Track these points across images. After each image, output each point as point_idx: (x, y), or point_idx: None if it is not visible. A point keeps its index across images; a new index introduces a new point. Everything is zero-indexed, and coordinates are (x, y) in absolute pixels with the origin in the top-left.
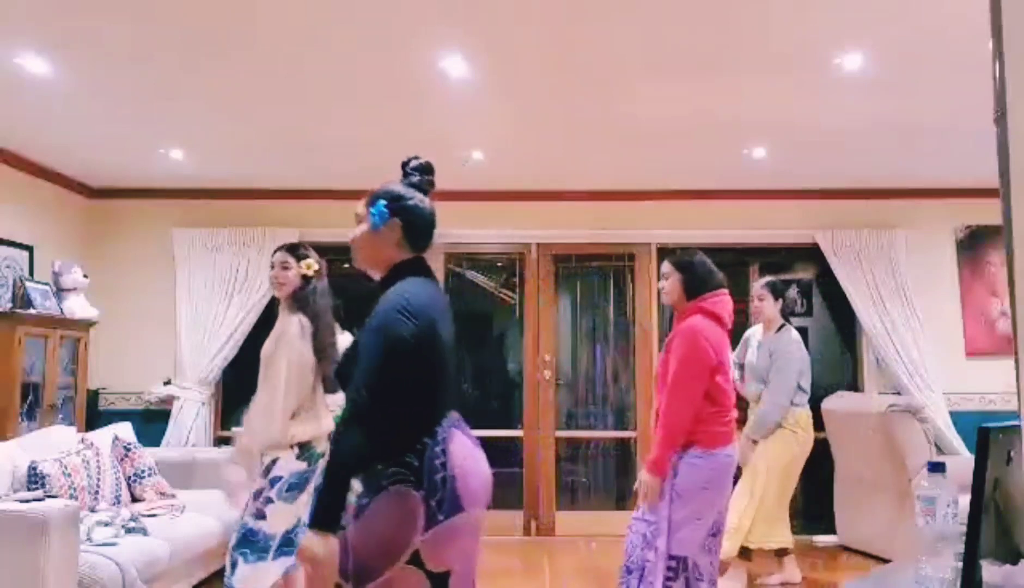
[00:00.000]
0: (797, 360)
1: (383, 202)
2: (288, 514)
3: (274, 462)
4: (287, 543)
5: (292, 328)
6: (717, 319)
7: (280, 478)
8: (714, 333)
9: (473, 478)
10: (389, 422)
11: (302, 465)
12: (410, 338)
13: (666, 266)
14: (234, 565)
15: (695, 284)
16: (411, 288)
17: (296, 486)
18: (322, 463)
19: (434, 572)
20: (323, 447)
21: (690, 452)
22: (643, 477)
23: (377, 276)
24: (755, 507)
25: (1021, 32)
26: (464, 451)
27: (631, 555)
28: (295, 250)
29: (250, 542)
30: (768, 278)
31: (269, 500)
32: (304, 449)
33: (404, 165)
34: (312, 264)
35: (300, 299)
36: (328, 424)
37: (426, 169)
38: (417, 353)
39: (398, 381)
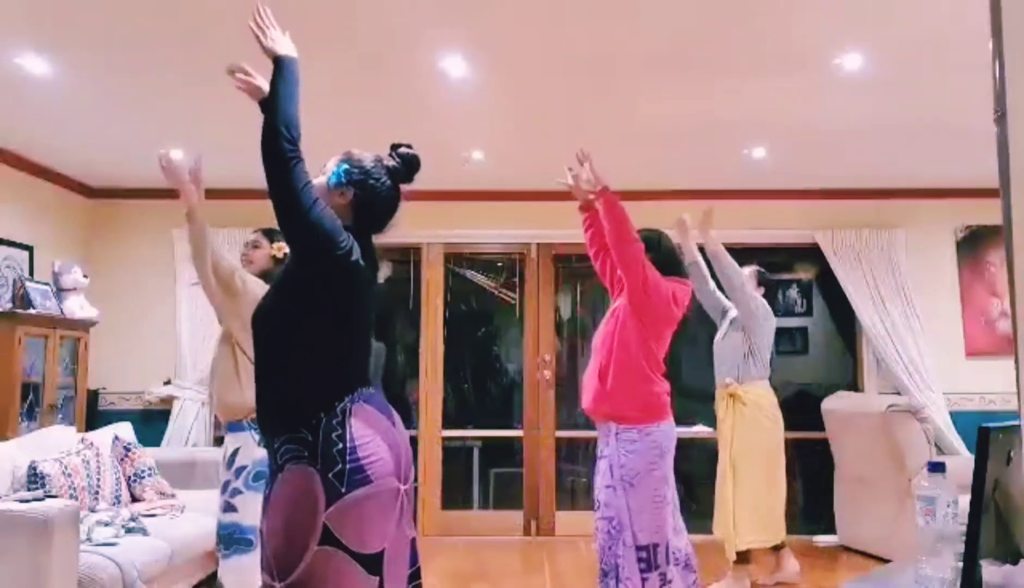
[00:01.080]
0: (770, 318)
1: (345, 166)
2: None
3: (235, 453)
4: None
5: (253, 286)
6: (677, 303)
7: (244, 467)
8: (675, 309)
9: (379, 448)
10: (288, 376)
11: (264, 452)
12: (344, 239)
13: None
14: (218, 563)
15: (661, 265)
16: None
17: (264, 475)
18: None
19: (360, 553)
20: None
21: (624, 435)
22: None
23: None
24: (742, 500)
25: (1021, 32)
26: (368, 421)
27: (603, 557)
28: (269, 233)
29: (225, 538)
30: (756, 267)
31: (237, 491)
32: None
33: (394, 146)
34: (283, 246)
35: (268, 278)
36: None
37: (409, 161)
38: (339, 258)
39: (313, 293)
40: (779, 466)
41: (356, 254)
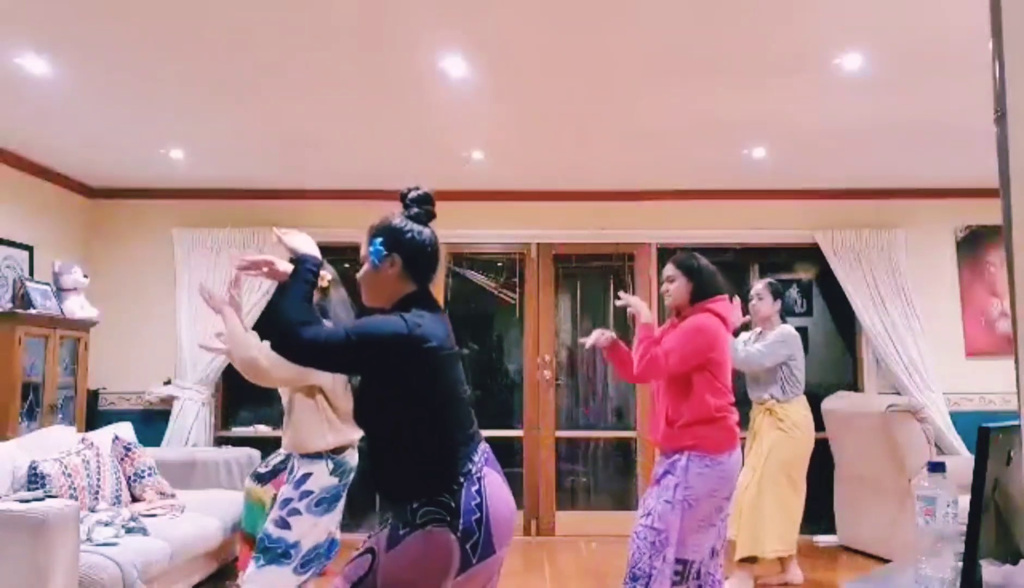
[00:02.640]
0: (788, 344)
1: (379, 239)
2: (318, 529)
3: (306, 476)
4: (314, 559)
5: None
6: (723, 321)
7: (312, 493)
8: (719, 331)
9: (505, 520)
10: (422, 446)
11: (334, 481)
12: (402, 331)
13: (671, 269)
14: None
15: (702, 289)
16: (409, 316)
17: (326, 501)
18: (352, 477)
19: None
20: (354, 460)
21: (696, 461)
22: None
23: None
24: (768, 509)
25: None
26: (497, 491)
27: (637, 563)
28: None
29: (267, 548)
30: (768, 279)
31: (296, 511)
32: (337, 464)
33: (403, 196)
34: (326, 275)
35: (320, 310)
36: (358, 433)
37: (424, 200)
38: (409, 353)
39: (382, 367)
40: (803, 477)
41: (427, 336)
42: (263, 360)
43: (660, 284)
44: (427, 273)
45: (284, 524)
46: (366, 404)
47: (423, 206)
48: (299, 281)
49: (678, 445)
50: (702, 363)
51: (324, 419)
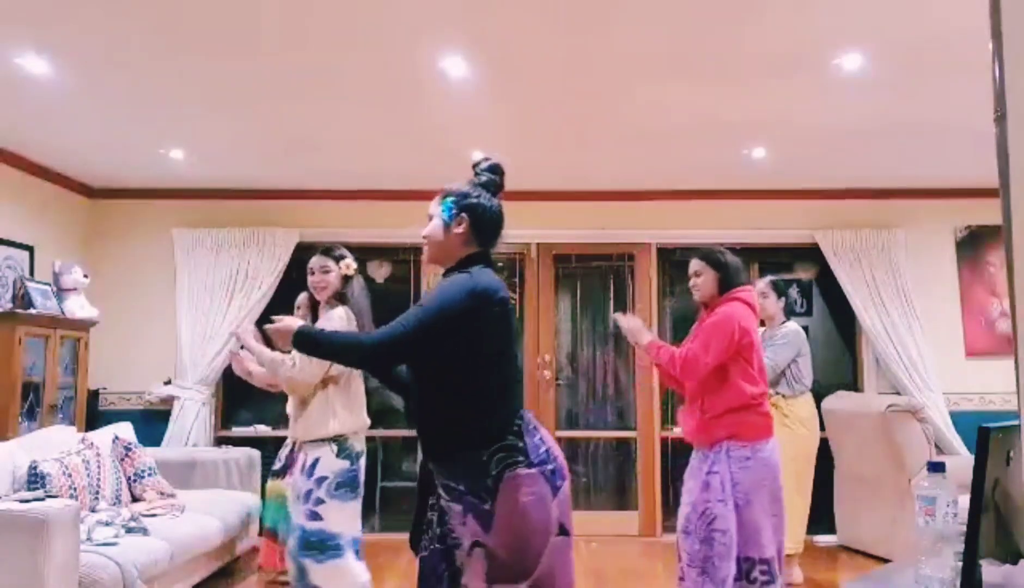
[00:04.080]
0: (793, 344)
1: (451, 200)
2: (350, 514)
3: (315, 463)
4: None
5: (335, 317)
6: (752, 308)
7: (326, 478)
8: (750, 319)
9: (560, 453)
10: (482, 392)
11: (344, 463)
12: (468, 297)
13: (698, 264)
14: (302, 570)
15: (729, 280)
16: (475, 270)
17: (345, 485)
18: (363, 461)
19: (566, 528)
20: (362, 445)
21: (736, 452)
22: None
23: (442, 270)
24: None
25: (1021, 33)
26: (544, 432)
27: (702, 564)
28: (332, 253)
29: (314, 545)
30: (771, 277)
31: (320, 500)
32: (341, 447)
33: (475, 165)
34: (351, 264)
35: (341, 297)
36: (366, 420)
37: (494, 169)
38: (477, 316)
39: (455, 333)
40: (809, 476)
41: (496, 287)
42: (296, 373)
43: (659, 286)
44: (491, 237)
45: (315, 515)
46: (429, 367)
47: (492, 175)
48: (314, 340)
49: (715, 437)
50: (736, 351)
51: (330, 408)
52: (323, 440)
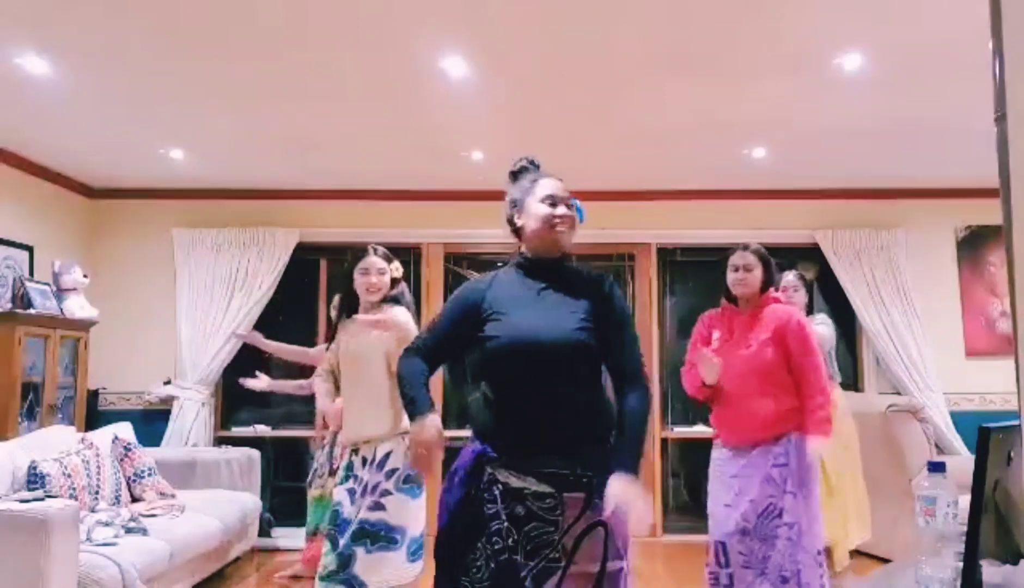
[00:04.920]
0: (825, 341)
1: (576, 201)
2: (413, 511)
3: (387, 456)
4: (420, 547)
5: (401, 315)
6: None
7: (396, 470)
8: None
9: None
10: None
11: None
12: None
13: (751, 258)
14: (348, 559)
15: (771, 280)
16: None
17: (413, 480)
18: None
19: None
20: None
21: (800, 444)
22: (820, 447)
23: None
24: (842, 502)
25: (1021, 32)
26: None
27: (782, 564)
28: (385, 255)
29: (368, 534)
30: (797, 270)
31: (387, 492)
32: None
33: (512, 174)
34: (399, 266)
35: (394, 299)
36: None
37: (523, 170)
38: None
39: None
40: (835, 471)
41: None
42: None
43: (659, 286)
44: None
45: (378, 506)
46: (577, 361)
47: (536, 169)
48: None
49: (779, 431)
50: None
51: (399, 405)
52: (397, 434)
